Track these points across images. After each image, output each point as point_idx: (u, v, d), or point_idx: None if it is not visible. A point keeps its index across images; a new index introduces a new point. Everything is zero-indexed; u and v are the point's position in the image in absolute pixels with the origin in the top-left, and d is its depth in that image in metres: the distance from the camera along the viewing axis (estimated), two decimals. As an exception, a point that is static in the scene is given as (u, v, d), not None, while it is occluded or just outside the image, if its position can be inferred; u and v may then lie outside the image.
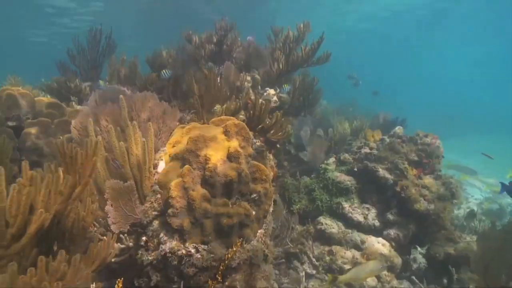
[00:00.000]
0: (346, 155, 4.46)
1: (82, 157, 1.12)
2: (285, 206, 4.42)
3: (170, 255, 1.83)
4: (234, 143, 2.09)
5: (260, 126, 2.97)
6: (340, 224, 3.94)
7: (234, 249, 1.85)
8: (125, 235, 2.00)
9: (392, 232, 3.71)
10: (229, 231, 1.92)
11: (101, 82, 3.10)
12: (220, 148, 2.05)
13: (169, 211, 1.86)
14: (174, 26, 4.52)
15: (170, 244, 1.86)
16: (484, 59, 29.81)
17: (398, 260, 3.59)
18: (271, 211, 2.34)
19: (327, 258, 3.70)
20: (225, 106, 2.95)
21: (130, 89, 3.61)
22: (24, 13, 13.92)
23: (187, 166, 1.92)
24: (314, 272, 3.75)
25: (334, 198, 4.11)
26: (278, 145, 4.48)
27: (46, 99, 3.29)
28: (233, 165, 2.02)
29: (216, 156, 1.98)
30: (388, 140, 4.29)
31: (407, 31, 20.59)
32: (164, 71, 3.23)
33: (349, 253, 3.66)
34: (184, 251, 1.82)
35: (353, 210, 3.91)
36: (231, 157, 2.04)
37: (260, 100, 2.91)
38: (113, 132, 1.94)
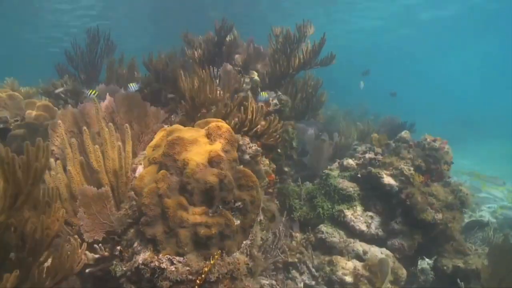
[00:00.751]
0: (350, 161, 4.27)
1: (23, 164, 1.01)
2: (285, 213, 4.26)
3: (143, 266, 1.70)
4: (216, 147, 1.96)
5: (254, 130, 2.82)
6: (342, 233, 3.74)
7: (212, 261, 1.71)
8: (100, 244, 1.88)
9: (396, 242, 3.49)
10: (208, 243, 1.78)
11: (91, 91, 3.01)
12: (201, 152, 1.91)
13: (142, 219, 1.73)
14: (185, 24, 4.38)
15: (143, 255, 1.73)
16: (496, 61, 28.97)
17: (402, 272, 3.36)
18: (259, 220, 2.19)
19: (327, 268, 3.51)
20: (215, 108, 2.82)
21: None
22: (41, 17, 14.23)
23: (162, 171, 1.80)
24: (313, 283, 3.56)
25: (336, 205, 3.91)
26: (278, 150, 4.34)
27: (38, 101, 3.24)
28: (214, 171, 1.88)
29: (195, 160, 1.85)
30: (393, 145, 4.07)
31: (418, 34, 20.20)
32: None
33: (351, 264, 3.46)
34: (157, 263, 1.68)
35: (355, 218, 3.71)
36: (212, 162, 1.90)
37: (254, 104, 2.77)
38: (87, 135, 1.83)
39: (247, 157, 3.00)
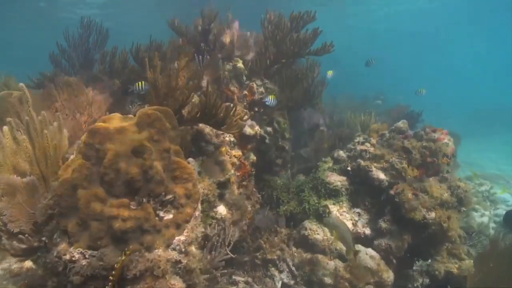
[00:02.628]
0: (341, 152, 3.99)
1: None
2: (272, 206, 4.08)
3: (56, 259, 1.64)
4: (142, 136, 1.84)
5: (214, 120, 2.67)
6: (326, 230, 3.50)
7: (123, 258, 1.60)
8: (26, 235, 1.85)
9: (383, 242, 3.20)
10: (124, 237, 1.67)
11: (138, 84, 2.93)
12: (126, 142, 1.80)
13: (56, 210, 1.66)
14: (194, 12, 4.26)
15: (59, 247, 1.66)
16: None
17: (388, 275, 3.08)
18: (197, 214, 2.05)
19: (308, 268, 3.31)
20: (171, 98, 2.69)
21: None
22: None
23: (79, 161, 1.71)
24: (292, 282, 3.38)
25: (322, 200, 3.67)
26: (266, 141, 4.15)
27: (15, 93, 3.29)
28: (138, 161, 1.77)
29: (115, 150, 1.74)
30: (387, 135, 3.73)
31: (436, 24, 19.06)
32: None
33: (332, 264, 3.23)
34: (68, 256, 1.61)
35: (340, 215, 3.45)
36: (135, 151, 1.79)
37: (212, 89, 2.61)
38: (12, 124, 1.79)
39: (211, 148, 2.86)
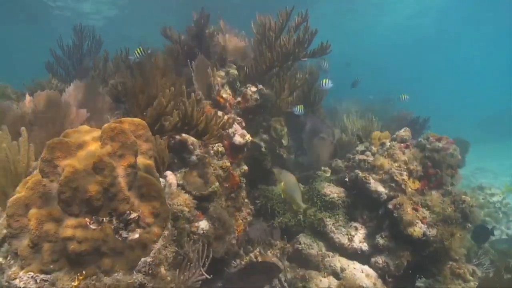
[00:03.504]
0: (338, 162, 3.80)
1: None
2: (267, 218, 3.92)
3: (6, 284, 1.53)
4: (103, 151, 1.72)
5: (195, 130, 2.54)
6: (321, 244, 3.32)
7: (75, 283, 1.49)
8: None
9: (380, 260, 2.99)
10: (80, 260, 1.55)
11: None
12: (86, 157, 1.69)
13: (7, 231, 1.56)
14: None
15: (10, 270, 1.56)
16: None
17: (385, 296, 2.87)
18: (167, 234, 1.92)
19: (300, 285, 3.12)
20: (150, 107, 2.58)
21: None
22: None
23: (34, 178, 1.61)
24: (283, 299, 3.20)
25: (318, 212, 3.48)
26: (262, 149, 4.00)
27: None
28: (97, 179, 1.65)
29: (73, 166, 1.63)
30: (388, 144, 3.51)
31: (447, 26, 18.69)
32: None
33: (325, 281, 3.03)
34: (18, 281, 1.50)
35: (336, 229, 3.26)
36: (96, 168, 1.67)
37: (195, 98, 2.48)
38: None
39: (194, 158, 2.73)
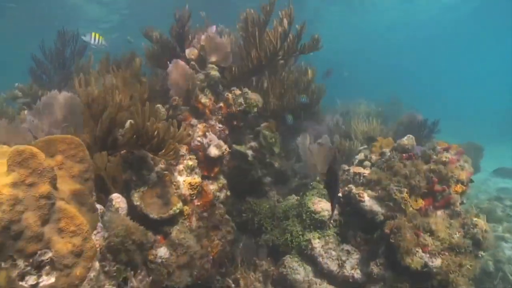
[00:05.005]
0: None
1: None
2: (251, 235, 3.56)
3: None
4: (7, 180, 1.42)
5: (149, 144, 2.21)
6: (309, 269, 2.93)
7: None
8: None
9: (375, 292, 2.56)
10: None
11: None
12: (-17, 189, 1.40)
13: None
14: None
15: None
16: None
17: (380, 336, 2.44)
18: (93, 276, 1.60)
19: (282, 316, 2.75)
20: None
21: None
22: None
23: None
24: (264, 332, 2.84)
25: (307, 232, 3.09)
26: (248, 158, 3.63)
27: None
28: (-9, 216, 1.35)
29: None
30: (388, 154, 3.06)
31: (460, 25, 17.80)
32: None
33: (311, 314, 2.65)
34: None
35: (325, 252, 2.85)
36: (-9, 202, 1.37)
37: (150, 106, 2.14)
38: None
39: (153, 176, 2.41)
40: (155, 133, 2.14)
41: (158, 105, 3.39)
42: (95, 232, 1.79)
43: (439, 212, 2.63)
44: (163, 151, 2.16)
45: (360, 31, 18.60)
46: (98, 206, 1.93)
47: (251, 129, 4.00)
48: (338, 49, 20.30)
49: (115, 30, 14.91)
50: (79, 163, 1.85)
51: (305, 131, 4.38)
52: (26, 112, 3.60)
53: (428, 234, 2.45)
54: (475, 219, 2.50)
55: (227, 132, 3.39)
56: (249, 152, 3.75)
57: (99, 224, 1.84)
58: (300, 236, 3.10)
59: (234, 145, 3.57)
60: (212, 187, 3.03)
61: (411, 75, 34.16)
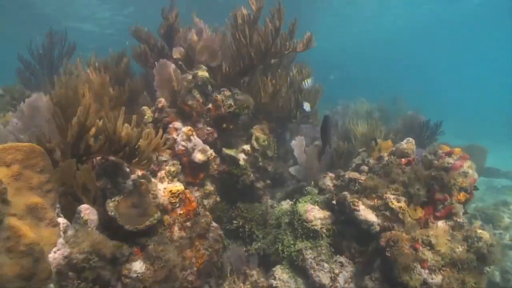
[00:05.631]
0: (326, 180, 3.18)
1: None
2: (247, 241, 3.39)
3: None
4: None
5: (122, 152, 2.05)
6: (300, 281, 2.74)
7: None
8: None
9: (369, 309, 2.37)
10: None
11: None
12: None
13: None
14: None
15: None
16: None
17: None
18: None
19: (271, 333, 2.58)
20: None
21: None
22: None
23: None
24: None
25: (298, 241, 2.90)
26: (240, 162, 3.46)
27: None
28: None
29: None
30: (386, 159, 2.85)
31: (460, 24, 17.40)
32: None
33: (301, 332, 2.47)
34: None
35: (317, 264, 2.66)
36: None
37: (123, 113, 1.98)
38: None
39: (129, 184, 2.25)
40: (128, 140, 1.98)
41: (144, 107, 3.25)
42: (54, 249, 1.64)
43: (440, 223, 2.42)
44: (136, 159, 2.00)
45: (362, 29, 18.36)
46: (61, 220, 1.77)
47: (245, 131, 3.83)
48: (338, 48, 20.04)
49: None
50: (39, 173, 1.70)
51: (301, 133, 4.19)
52: (10, 113, 3.49)
53: (428, 247, 2.25)
54: (479, 231, 2.29)
55: (216, 135, 3.22)
56: (241, 156, 3.58)
57: (60, 240, 1.68)
58: (292, 246, 2.91)
59: (224, 149, 3.41)
60: (197, 193, 2.86)
61: (415, 74, 33.69)
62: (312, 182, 3.65)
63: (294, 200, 3.37)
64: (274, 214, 3.45)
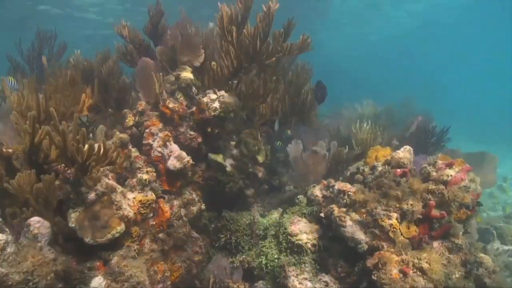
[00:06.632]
0: (316, 190, 2.95)
1: None
2: (233, 252, 3.20)
3: None
4: None
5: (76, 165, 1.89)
6: (282, 300, 2.53)
7: None
8: None
9: (353, 337, 2.13)
10: None
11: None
12: None
13: None
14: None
15: None
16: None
17: None
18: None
19: None
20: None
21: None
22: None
23: None
24: None
25: (282, 256, 2.69)
26: (227, 169, 3.27)
27: None
28: None
29: None
30: (379, 169, 2.60)
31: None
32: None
33: None
34: None
35: (299, 283, 2.44)
36: None
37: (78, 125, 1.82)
38: None
39: (92, 195, 2.09)
40: (81, 151, 1.82)
41: (126, 110, 3.11)
42: (-12, 269, 1.50)
43: (435, 244, 2.16)
44: (88, 174, 1.84)
45: (373, 31, 17.92)
46: (1, 236, 1.63)
47: (237, 134, 3.65)
48: (347, 49, 19.58)
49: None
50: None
51: (298, 137, 3.96)
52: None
53: (419, 272, 2.00)
54: (480, 255, 2.02)
55: (199, 139, 3.04)
56: (229, 162, 3.39)
57: (-4, 259, 1.54)
58: (276, 260, 2.70)
59: (210, 154, 3.23)
60: (176, 202, 2.69)
61: (429, 75, 32.58)
62: (307, 189, 3.42)
63: (281, 211, 3.16)
64: (262, 224, 3.25)
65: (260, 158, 3.57)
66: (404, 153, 2.57)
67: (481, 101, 30.57)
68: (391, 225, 2.20)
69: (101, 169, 1.95)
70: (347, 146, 4.18)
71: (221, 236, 3.17)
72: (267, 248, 2.83)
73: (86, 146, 1.81)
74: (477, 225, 3.44)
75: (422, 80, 32.63)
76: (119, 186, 2.26)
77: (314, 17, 15.45)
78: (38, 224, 1.78)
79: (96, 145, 1.83)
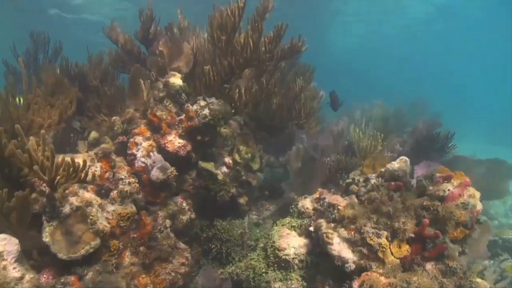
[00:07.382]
0: (307, 202, 2.82)
1: None
2: (223, 262, 3.11)
3: None
4: None
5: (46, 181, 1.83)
6: (268, 318, 2.42)
7: None
8: None
9: None
10: None
11: None
12: None
13: None
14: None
15: None
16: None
17: None
18: None
19: None
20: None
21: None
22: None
23: None
24: None
25: (270, 270, 2.58)
26: (218, 177, 3.18)
27: None
28: None
29: None
30: (372, 182, 2.44)
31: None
32: None
33: None
34: None
35: (285, 302, 2.33)
36: None
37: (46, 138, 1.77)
38: None
39: (67, 209, 2.04)
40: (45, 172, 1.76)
41: (115, 118, 3.06)
42: None
43: (428, 266, 1.99)
44: (59, 191, 1.79)
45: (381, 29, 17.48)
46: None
47: (232, 140, 3.55)
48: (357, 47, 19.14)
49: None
50: None
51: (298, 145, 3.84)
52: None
53: (408, 297, 1.85)
54: (476, 280, 1.85)
55: (189, 148, 2.96)
56: (221, 169, 3.31)
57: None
58: (263, 275, 2.60)
59: (200, 162, 3.14)
60: (161, 214, 2.62)
61: (444, 75, 31.43)
62: (302, 198, 3.30)
63: (272, 222, 3.05)
64: (255, 234, 3.15)
65: (254, 165, 3.46)
66: (400, 164, 2.40)
67: (501, 102, 29.30)
68: (380, 244, 2.05)
69: (75, 185, 1.89)
70: (350, 153, 4.02)
71: (212, 246, 3.10)
72: (255, 261, 2.72)
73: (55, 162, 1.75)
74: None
75: (439, 79, 31.59)
76: (97, 199, 2.21)
77: (327, 17, 15.19)
78: (4, 241, 1.74)
79: (65, 162, 1.77)
